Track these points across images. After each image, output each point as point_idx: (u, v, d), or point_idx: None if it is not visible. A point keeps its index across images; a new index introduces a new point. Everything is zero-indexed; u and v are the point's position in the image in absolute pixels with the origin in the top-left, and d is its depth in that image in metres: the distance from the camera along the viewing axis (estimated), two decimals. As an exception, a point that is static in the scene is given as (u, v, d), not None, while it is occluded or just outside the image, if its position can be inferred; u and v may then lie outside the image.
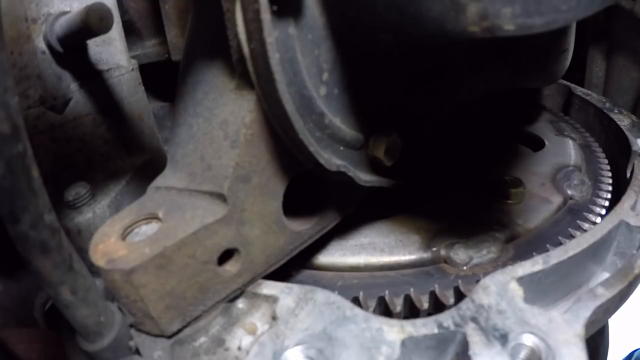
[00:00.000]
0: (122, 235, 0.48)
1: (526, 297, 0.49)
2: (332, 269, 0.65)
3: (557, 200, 0.71)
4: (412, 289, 0.59)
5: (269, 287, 0.54)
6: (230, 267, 0.52)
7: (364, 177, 0.57)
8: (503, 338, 0.45)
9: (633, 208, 0.62)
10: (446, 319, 0.48)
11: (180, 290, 0.48)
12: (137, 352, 0.48)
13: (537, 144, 0.86)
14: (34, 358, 0.71)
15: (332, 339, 0.47)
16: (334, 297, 0.51)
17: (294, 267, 0.65)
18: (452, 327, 0.47)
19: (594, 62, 1.11)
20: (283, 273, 0.60)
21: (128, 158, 0.80)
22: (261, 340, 0.48)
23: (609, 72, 1.10)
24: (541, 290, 0.53)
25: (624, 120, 0.84)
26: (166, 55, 0.96)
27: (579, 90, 0.98)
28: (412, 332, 0.47)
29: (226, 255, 0.51)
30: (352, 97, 0.52)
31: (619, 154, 0.80)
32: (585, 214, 0.69)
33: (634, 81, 1.05)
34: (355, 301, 0.59)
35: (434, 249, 0.64)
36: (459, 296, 0.57)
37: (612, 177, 0.77)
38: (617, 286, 0.52)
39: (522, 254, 0.63)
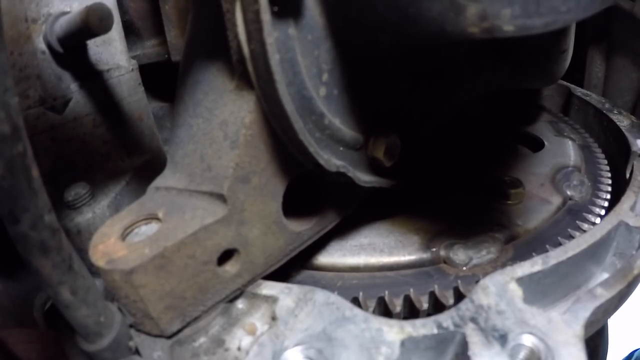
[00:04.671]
0: (122, 236, 0.48)
1: (525, 298, 0.49)
2: (331, 269, 0.65)
3: (556, 200, 0.71)
4: (411, 290, 0.59)
5: (269, 288, 0.54)
6: (230, 267, 0.52)
7: (364, 178, 0.57)
8: (502, 338, 0.45)
9: (632, 209, 0.62)
10: (445, 319, 0.48)
11: (180, 291, 0.48)
12: (137, 352, 0.48)
13: (537, 145, 0.86)
14: (33, 358, 0.71)
15: (331, 339, 0.48)
16: (334, 297, 0.51)
17: (293, 267, 0.65)
18: (451, 328, 0.47)
19: (594, 63, 1.11)
20: (283, 273, 0.60)
21: (128, 158, 0.80)
22: (261, 341, 0.48)
23: (608, 72, 1.10)
24: (540, 290, 0.53)
25: (623, 121, 0.84)
26: (166, 56, 0.95)
27: (578, 91, 0.98)
28: (411, 332, 0.47)
29: (226, 256, 0.51)
30: (352, 97, 0.52)
31: (618, 154, 0.80)
32: (584, 214, 0.69)
33: (634, 82, 1.05)
34: (355, 301, 0.59)
35: (434, 249, 0.64)
36: (459, 297, 0.57)
37: (611, 178, 0.77)
38: (616, 287, 0.52)
39: (522, 255, 0.63)
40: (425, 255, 0.64)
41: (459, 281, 0.59)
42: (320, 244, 0.66)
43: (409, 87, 0.60)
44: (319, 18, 0.46)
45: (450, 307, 0.52)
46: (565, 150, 0.83)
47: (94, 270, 0.45)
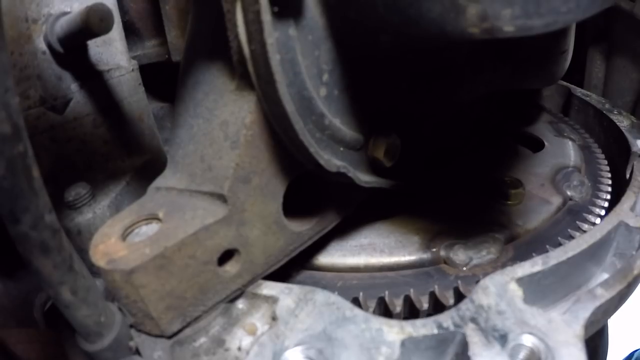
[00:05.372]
0: (123, 236, 0.48)
1: (526, 298, 0.49)
2: (332, 269, 0.65)
3: (556, 201, 0.71)
4: (411, 290, 0.59)
5: (269, 288, 0.54)
6: (230, 267, 0.52)
7: (364, 178, 0.57)
8: (502, 338, 0.45)
9: (632, 209, 0.62)
10: (446, 319, 0.48)
11: (181, 291, 0.48)
12: (137, 352, 0.48)
13: (537, 145, 0.86)
14: (33, 358, 0.71)
15: (332, 339, 0.48)
16: (334, 297, 0.51)
17: (294, 267, 0.65)
18: (451, 328, 0.47)
19: (594, 63, 1.11)
20: (283, 273, 0.60)
21: (128, 158, 0.80)
22: (261, 341, 0.48)
23: (608, 73, 1.10)
24: (540, 290, 0.53)
25: (623, 121, 0.84)
26: (166, 56, 0.95)
27: (578, 91, 0.98)
28: (411, 332, 0.47)
29: (226, 256, 0.51)
30: (352, 98, 0.53)
31: (618, 155, 0.80)
32: (584, 214, 0.69)
33: (634, 82, 1.05)
34: (355, 302, 0.59)
35: (434, 249, 0.64)
36: (459, 297, 0.58)
37: (611, 178, 0.77)
38: (616, 287, 0.52)
39: (522, 255, 0.63)
40: (425, 256, 0.64)
41: (459, 281, 0.59)
42: (320, 245, 0.66)
43: (409, 87, 0.60)
44: (319, 18, 0.46)
45: (450, 307, 0.52)
46: (565, 150, 0.83)
47: (94, 270, 0.45)
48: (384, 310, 0.59)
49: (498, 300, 0.49)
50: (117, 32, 0.76)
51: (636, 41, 1.01)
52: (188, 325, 0.50)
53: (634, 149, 0.75)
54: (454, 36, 0.39)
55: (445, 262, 0.63)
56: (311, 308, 0.50)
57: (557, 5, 0.36)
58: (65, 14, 0.69)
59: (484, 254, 0.62)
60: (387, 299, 0.59)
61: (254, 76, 0.45)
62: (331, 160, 0.51)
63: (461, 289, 0.57)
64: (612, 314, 0.55)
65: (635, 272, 0.55)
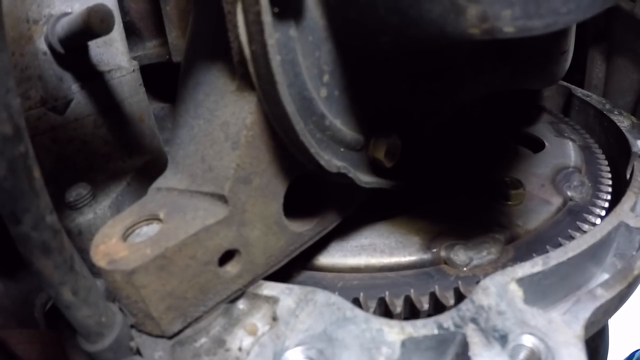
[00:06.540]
0: (123, 236, 0.48)
1: (526, 298, 0.49)
2: (332, 270, 0.65)
3: (557, 201, 0.71)
4: (412, 290, 0.59)
5: (270, 288, 0.54)
6: (231, 268, 0.52)
7: (365, 179, 0.57)
8: (503, 339, 0.45)
9: (632, 209, 0.62)
10: (446, 319, 0.48)
11: (181, 291, 0.48)
12: (138, 352, 0.48)
13: (537, 146, 0.86)
14: (34, 358, 0.71)
15: (332, 339, 0.48)
16: (335, 298, 0.51)
17: (294, 268, 0.65)
18: (452, 328, 0.47)
19: (594, 64, 1.11)
20: (284, 274, 0.60)
21: (129, 159, 0.81)
22: (262, 341, 0.48)
23: (609, 73, 1.10)
24: (541, 291, 0.53)
25: (623, 122, 0.84)
26: (167, 57, 0.96)
27: (579, 91, 0.98)
28: (412, 332, 0.47)
29: (227, 256, 0.51)
30: (353, 98, 0.53)
31: (618, 155, 0.80)
32: (585, 215, 0.69)
33: (634, 82, 1.06)
34: (356, 302, 0.59)
35: (434, 250, 0.64)
36: (459, 297, 0.58)
37: (612, 179, 0.77)
38: (616, 287, 0.52)
39: (522, 255, 0.63)
40: (425, 256, 0.64)
41: (460, 282, 0.59)
42: (321, 245, 0.66)
43: (410, 87, 0.60)
44: (319, 19, 0.46)
45: (450, 307, 0.52)
46: (565, 151, 0.83)
47: (95, 271, 0.45)
48: (385, 311, 0.59)
49: (498, 300, 0.49)
50: (117, 32, 0.76)
51: (636, 41, 1.01)
52: (189, 325, 0.50)
53: (634, 149, 0.75)
54: (454, 37, 0.39)
55: (445, 263, 0.63)
56: (312, 308, 0.50)
57: (557, 6, 0.36)
58: (66, 14, 0.69)
59: (485, 254, 0.62)
60: (387, 299, 0.59)
61: (254, 77, 0.45)
62: (332, 161, 0.51)
63: (461, 289, 0.57)
64: (612, 314, 0.55)
65: (636, 272, 0.55)
